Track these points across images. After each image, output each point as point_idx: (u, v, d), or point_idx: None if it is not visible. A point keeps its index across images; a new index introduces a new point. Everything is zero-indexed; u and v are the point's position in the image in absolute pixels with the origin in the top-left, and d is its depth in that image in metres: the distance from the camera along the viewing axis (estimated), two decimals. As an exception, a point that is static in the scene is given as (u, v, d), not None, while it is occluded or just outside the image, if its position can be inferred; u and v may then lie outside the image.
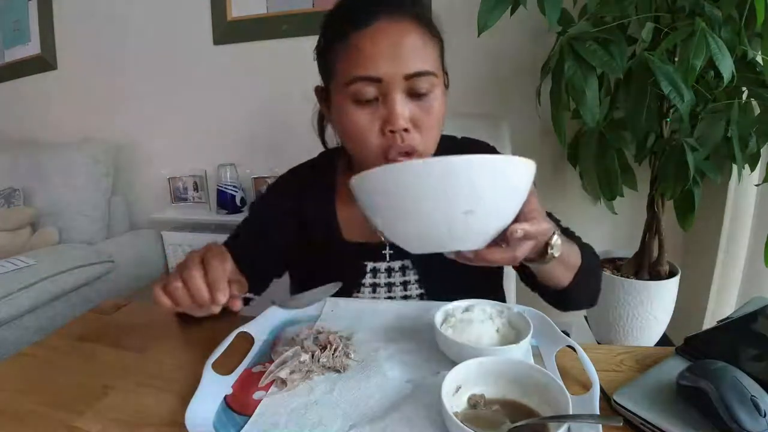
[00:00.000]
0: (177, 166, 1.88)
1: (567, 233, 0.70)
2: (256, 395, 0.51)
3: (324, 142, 0.83)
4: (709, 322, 1.38)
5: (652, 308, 1.22)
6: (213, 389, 0.51)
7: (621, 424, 0.41)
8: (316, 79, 0.72)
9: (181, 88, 1.83)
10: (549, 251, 0.55)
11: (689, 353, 0.54)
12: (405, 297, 0.76)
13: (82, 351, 0.63)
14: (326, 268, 0.78)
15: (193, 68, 1.79)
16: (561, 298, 0.67)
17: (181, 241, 1.82)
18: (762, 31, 0.99)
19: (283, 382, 0.51)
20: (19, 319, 1.36)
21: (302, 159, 0.85)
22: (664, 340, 1.31)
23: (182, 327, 0.69)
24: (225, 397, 0.50)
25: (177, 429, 0.46)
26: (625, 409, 0.46)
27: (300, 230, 0.79)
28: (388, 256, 0.76)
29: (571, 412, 0.40)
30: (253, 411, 0.48)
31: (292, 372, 0.52)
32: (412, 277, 0.76)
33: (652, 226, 1.23)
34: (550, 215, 0.62)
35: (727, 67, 0.90)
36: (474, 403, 0.46)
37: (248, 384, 0.53)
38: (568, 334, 0.57)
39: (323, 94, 0.70)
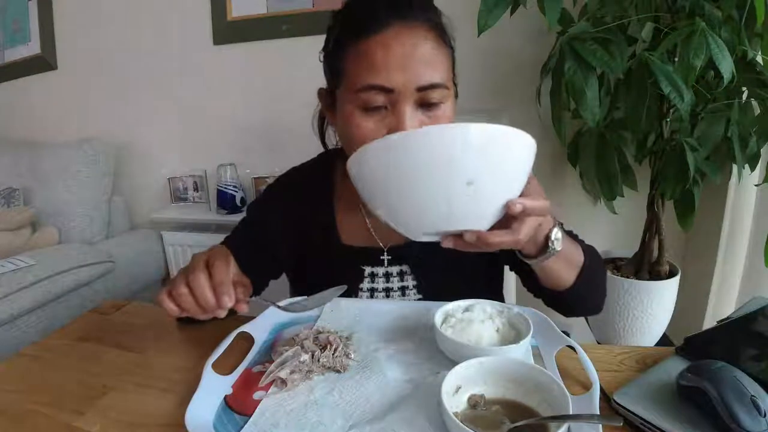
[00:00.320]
0: (177, 166, 1.88)
1: (570, 236, 0.70)
2: (256, 395, 0.51)
3: (324, 144, 0.83)
4: (709, 322, 1.38)
5: (652, 308, 1.22)
6: (213, 389, 0.51)
7: (621, 424, 0.41)
8: (316, 79, 0.71)
9: (181, 88, 1.83)
10: (550, 245, 0.55)
11: (689, 353, 0.54)
12: (400, 300, 0.76)
13: (82, 351, 0.63)
14: (324, 271, 0.78)
15: (193, 68, 1.79)
16: (565, 301, 0.65)
17: (181, 241, 1.82)
18: (762, 31, 0.99)
19: (283, 382, 0.51)
20: (19, 319, 1.36)
21: (302, 159, 0.84)
22: (664, 340, 1.31)
23: (182, 327, 0.69)
24: (225, 397, 0.50)
25: (177, 429, 0.46)
26: (625, 409, 0.46)
27: (298, 233, 0.78)
28: (386, 261, 0.76)
29: (571, 412, 0.40)
30: (253, 411, 0.48)
31: (292, 372, 0.52)
32: (410, 282, 0.76)
33: (652, 226, 1.23)
34: None
35: (727, 67, 0.90)
36: (474, 403, 0.46)
37: (248, 384, 0.53)
38: (568, 334, 0.57)
39: (327, 97, 0.69)
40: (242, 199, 1.75)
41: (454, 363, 0.47)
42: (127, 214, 1.97)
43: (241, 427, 0.46)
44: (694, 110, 1.03)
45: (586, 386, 0.48)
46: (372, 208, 0.50)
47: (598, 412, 0.43)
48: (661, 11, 1.04)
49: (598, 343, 1.30)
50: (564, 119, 1.13)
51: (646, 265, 1.26)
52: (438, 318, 0.56)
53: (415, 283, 0.76)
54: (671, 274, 1.25)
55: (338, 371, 0.54)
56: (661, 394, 0.47)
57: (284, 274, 0.86)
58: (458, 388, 0.46)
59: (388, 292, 0.76)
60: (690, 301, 1.36)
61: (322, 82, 0.70)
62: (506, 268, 0.84)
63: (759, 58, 1.03)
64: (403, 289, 0.76)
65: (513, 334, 0.56)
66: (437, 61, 0.59)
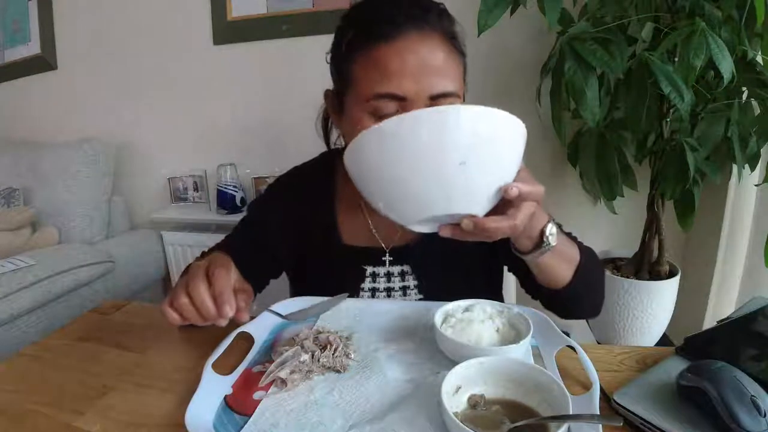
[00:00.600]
0: (177, 166, 1.88)
1: (568, 237, 0.70)
2: (256, 395, 0.51)
3: (328, 145, 0.82)
4: (709, 322, 1.38)
5: (652, 308, 1.22)
6: (213, 389, 0.51)
7: (621, 424, 0.41)
8: (316, 79, 0.71)
9: (182, 88, 1.83)
10: (545, 239, 0.55)
11: (689, 353, 0.54)
12: (400, 300, 0.76)
13: (82, 351, 0.63)
14: (325, 271, 0.78)
15: (193, 68, 1.79)
16: (563, 300, 0.65)
17: (181, 241, 1.82)
18: (762, 31, 0.99)
19: (283, 382, 0.51)
20: (19, 319, 1.36)
21: (302, 159, 0.84)
22: (664, 340, 1.31)
23: (182, 327, 0.69)
24: (225, 397, 0.50)
25: (177, 429, 0.46)
26: (625, 409, 0.46)
27: (299, 232, 0.78)
28: (387, 261, 0.76)
29: (571, 412, 0.40)
30: (253, 411, 0.48)
31: (292, 372, 0.52)
32: (411, 282, 0.76)
33: (652, 226, 1.23)
34: None
35: (727, 67, 0.90)
36: (474, 403, 0.46)
37: (248, 384, 0.53)
38: (568, 334, 0.57)
39: (334, 99, 0.68)
40: (242, 199, 1.75)
41: (454, 363, 0.47)
42: (127, 214, 1.97)
43: (241, 427, 0.46)
44: (694, 110, 1.03)
45: (586, 386, 0.48)
46: (370, 200, 0.51)
47: (598, 412, 0.43)
48: (661, 11, 1.04)
49: (598, 343, 1.30)
50: (564, 119, 1.13)
51: (646, 265, 1.26)
52: (438, 318, 0.56)
53: (416, 283, 0.76)
54: (671, 274, 1.25)
55: (338, 371, 0.54)
56: (661, 394, 0.47)
57: (284, 274, 0.86)
58: (458, 388, 0.46)
59: (389, 291, 0.76)
60: (690, 301, 1.36)
61: (323, 82, 0.70)
62: (505, 268, 0.84)
63: (759, 58, 1.03)
64: (404, 289, 0.76)
65: (513, 334, 0.56)
66: (450, 70, 0.59)
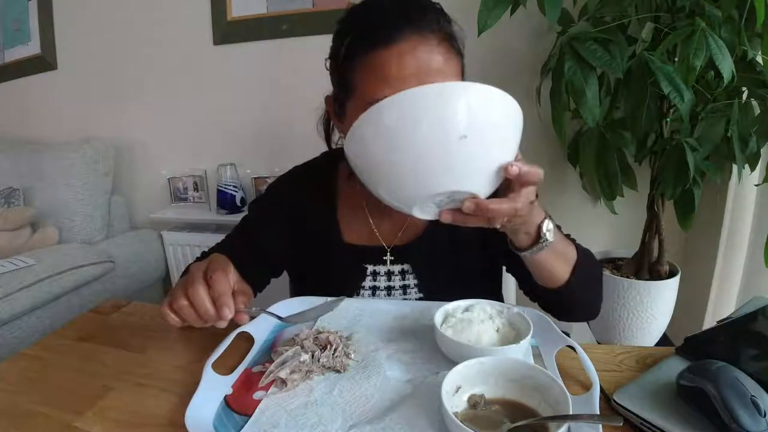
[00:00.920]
0: (177, 166, 1.88)
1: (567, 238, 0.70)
2: (256, 395, 0.51)
3: (330, 146, 0.82)
4: (709, 322, 1.38)
5: (652, 308, 1.22)
6: (213, 389, 0.51)
7: (621, 424, 0.41)
8: (316, 79, 0.71)
9: (181, 88, 1.83)
10: (543, 235, 0.56)
11: (689, 353, 0.54)
12: (401, 300, 0.76)
13: (82, 351, 0.63)
14: (326, 270, 0.78)
15: (193, 68, 1.79)
16: (561, 300, 0.65)
17: (181, 241, 1.82)
18: (762, 31, 0.99)
19: (283, 382, 0.51)
20: (19, 319, 1.36)
21: (303, 159, 0.84)
22: (664, 340, 1.31)
23: (182, 327, 0.69)
24: (225, 397, 0.50)
25: (177, 429, 0.46)
26: (625, 409, 0.46)
27: (300, 231, 0.78)
28: (388, 260, 0.76)
29: (571, 412, 0.40)
30: (253, 411, 0.48)
31: (292, 372, 0.52)
32: (411, 281, 0.76)
33: (652, 226, 1.23)
34: None
35: (727, 67, 0.90)
36: (474, 403, 0.46)
37: (248, 384, 0.53)
38: (568, 334, 0.57)
39: (334, 104, 0.68)
40: (242, 199, 1.75)
41: (454, 363, 0.47)
42: (127, 214, 1.97)
43: (241, 427, 0.46)
44: (694, 110, 1.03)
45: (586, 386, 0.48)
46: (372, 188, 0.51)
47: (598, 412, 0.43)
48: (661, 11, 1.04)
49: (598, 343, 1.30)
50: (564, 119, 1.13)
51: (646, 265, 1.26)
52: (438, 318, 0.57)
53: (416, 282, 0.76)
54: (671, 274, 1.25)
55: (338, 371, 0.54)
56: (661, 394, 0.47)
57: (285, 273, 0.86)
58: (458, 388, 0.46)
59: (389, 290, 0.76)
60: (690, 301, 1.36)
61: (323, 82, 0.70)
62: (504, 269, 0.84)
63: (759, 58, 1.03)
64: (404, 288, 0.76)
65: (513, 334, 0.56)
66: (449, 71, 0.59)
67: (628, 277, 1.24)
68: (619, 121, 1.18)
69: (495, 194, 0.50)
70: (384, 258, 0.76)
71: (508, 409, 0.45)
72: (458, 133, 0.43)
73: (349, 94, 0.62)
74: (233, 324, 0.58)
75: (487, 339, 0.55)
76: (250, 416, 0.47)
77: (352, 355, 0.56)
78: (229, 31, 1.70)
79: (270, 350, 0.59)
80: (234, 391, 0.52)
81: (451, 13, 0.64)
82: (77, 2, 1.88)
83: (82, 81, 1.96)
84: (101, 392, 0.53)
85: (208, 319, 0.53)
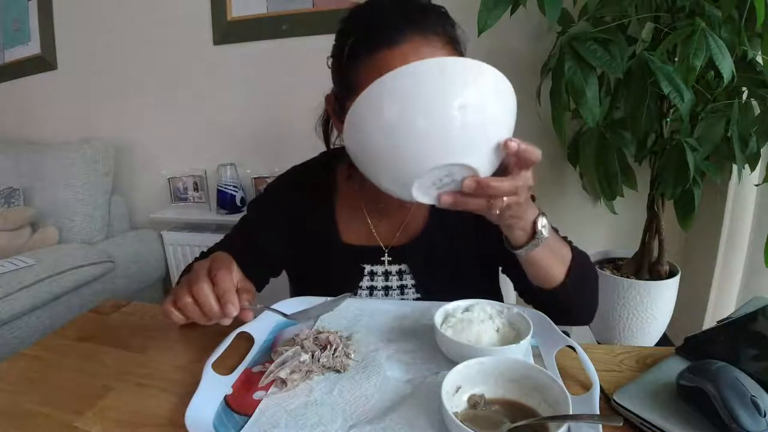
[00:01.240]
0: (177, 166, 1.88)
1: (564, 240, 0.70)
2: (256, 395, 0.51)
3: (328, 146, 0.82)
4: (709, 322, 1.38)
5: (652, 308, 1.22)
6: (213, 389, 0.51)
7: (621, 424, 0.41)
8: (316, 79, 0.71)
9: (181, 88, 1.83)
10: (538, 230, 0.56)
11: (689, 353, 0.54)
12: (400, 300, 0.76)
13: (82, 351, 0.63)
14: (324, 269, 0.78)
15: (193, 68, 1.79)
16: (556, 302, 0.65)
17: (181, 241, 1.82)
18: (762, 31, 0.99)
19: (283, 382, 0.51)
20: (19, 319, 1.36)
21: (302, 159, 0.84)
22: (664, 340, 1.31)
23: (182, 327, 0.69)
24: (225, 397, 0.50)
25: (177, 429, 0.46)
26: (625, 409, 0.46)
27: (298, 231, 0.78)
28: (386, 261, 0.76)
29: (571, 412, 0.40)
30: (253, 411, 0.48)
31: (292, 372, 0.52)
32: (409, 281, 0.76)
33: (652, 226, 1.23)
34: None
35: (727, 67, 0.90)
36: (474, 403, 0.46)
37: (248, 384, 0.53)
38: (568, 334, 0.57)
39: (335, 103, 0.68)
40: (242, 199, 1.75)
41: (454, 363, 0.47)
42: (127, 214, 1.97)
43: (241, 427, 0.46)
44: (694, 110, 1.03)
45: (586, 386, 0.48)
46: (371, 175, 0.51)
47: (598, 412, 0.43)
48: (661, 11, 1.04)
49: (598, 343, 1.30)
50: (564, 119, 1.12)
51: (646, 265, 1.25)
52: (438, 318, 0.56)
53: (413, 282, 0.76)
54: (671, 274, 1.25)
55: (338, 371, 0.54)
56: (661, 394, 0.47)
57: (284, 273, 0.86)
58: (458, 388, 0.46)
59: (387, 290, 0.77)
60: (690, 301, 1.36)
61: (323, 82, 0.70)
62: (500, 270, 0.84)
63: (759, 58, 1.03)
64: (401, 288, 0.76)
65: (513, 334, 0.56)
66: None
67: (628, 277, 1.24)
68: (619, 121, 1.18)
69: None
70: (382, 258, 0.76)
71: (508, 409, 0.45)
72: (457, 103, 0.44)
73: (350, 93, 0.62)
74: (233, 323, 0.58)
75: (487, 339, 0.55)
76: (250, 416, 0.47)
77: (352, 355, 0.56)
78: (229, 31, 1.70)
79: (270, 350, 0.59)
80: (234, 391, 0.52)
81: (451, 13, 0.64)
82: (77, 2, 1.88)
83: (82, 81, 1.96)
84: (101, 392, 0.53)
85: (212, 317, 0.53)
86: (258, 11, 1.65)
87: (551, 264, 0.62)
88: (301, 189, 0.80)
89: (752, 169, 1.12)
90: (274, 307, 0.63)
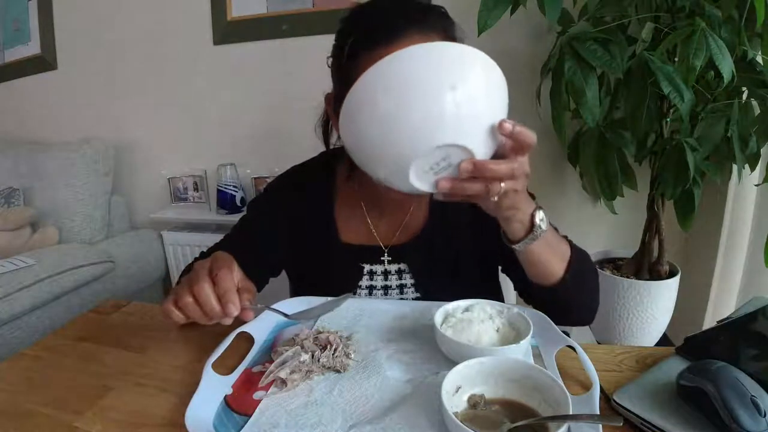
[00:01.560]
0: (177, 166, 1.88)
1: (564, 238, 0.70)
2: (256, 395, 0.51)
3: (328, 147, 0.82)
4: (709, 322, 1.38)
5: (652, 308, 1.22)
6: (213, 389, 0.51)
7: (621, 424, 0.41)
8: (316, 79, 0.71)
9: (182, 88, 1.83)
10: (536, 223, 0.56)
11: (689, 353, 0.54)
12: (400, 300, 0.76)
13: (82, 351, 0.63)
14: (324, 269, 0.78)
15: (193, 68, 1.79)
16: (556, 300, 0.64)
17: (181, 241, 1.82)
18: (762, 31, 0.99)
19: (283, 382, 0.51)
20: (19, 319, 1.36)
21: (302, 158, 0.85)
22: (664, 340, 1.31)
23: (182, 327, 0.69)
24: (225, 397, 0.50)
25: (177, 429, 0.46)
26: (625, 409, 0.46)
27: (298, 231, 0.78)
28: (386, 260, 0.76)
29: (571, 412, 0.40)
30: (253, 411, 0.48)
31: (292, 372, 0.52)
32: (408, 280, 0.76)
33: (652, 226, 1.23)
34: None
35: (727, 67, 0.90)
36: (474, 403, 0.46)
37: (248, 384, 0.53)
38: (568, 334, 0.57)
39: (335, 103, 0.68)
40: (242, 199, 1.75)
41: (454, 363, 0.47)
42: (127, 214, 1.97)
43: (241, 427, 0.46)
44: (694, 110, 1.03)
45: (586, 386, 0.48)
46: (365, 162, 0.52)
47: (598, 412, 0.43)
48: (661, 11, 1.04)
49: (598, 343, 1.30)
50: (564, 119, 1.12)
51: (646, 265, 1.25)
52: (438, 318, 0.56)
53: (413, 281, 0.76)
54: (671, 274, 1.25)
55: (338, 371, 0.54)
56: (661, 394, 0.47)
57: (284, 272, 0.86)
58: (458, 388, 0.46)
59: (386, 290, 0.77)
60: (690, 301, 1.36)
61: (323, 82, 0.70)
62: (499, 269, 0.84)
63: (759, 58, 1.03)
64: (401, 288, 0.76)
65: (513, 334, 0.56)
66: None
67: (628, 277, 1.24)
68: (619, 121, 1.18)
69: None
70: (381, 258, 0.76)
71: (508, 409, 0.45)
72: (448, 84, 0.45)
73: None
74: (234, 323, 0.58)
75: (487, 339, 0.55)
76: (250, 416, 0.47)
77: (352, 355, 0.56)
78: (229, 31, 1.70)
79: (270, 350, 0.59)
80: (234, 391, 0.52)
81: (451, 13, 0.64)
82: (77, 2, 1.88)
83: (82, 81, 1.96)
84: (101, 392, 0.53)
85: (213, 316, 0.53)
86: (258, 11, 1.65)
87: (550, 259, 0.61)
88: (300, 189, 0.80)
89: (752, 169, 1.12)
90: (274, 306, 0.63)
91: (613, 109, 1.18)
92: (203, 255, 0.77)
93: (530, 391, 0.46)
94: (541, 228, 0.57)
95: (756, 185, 1.19)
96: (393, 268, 0.76)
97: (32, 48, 1.99)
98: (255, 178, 1.76)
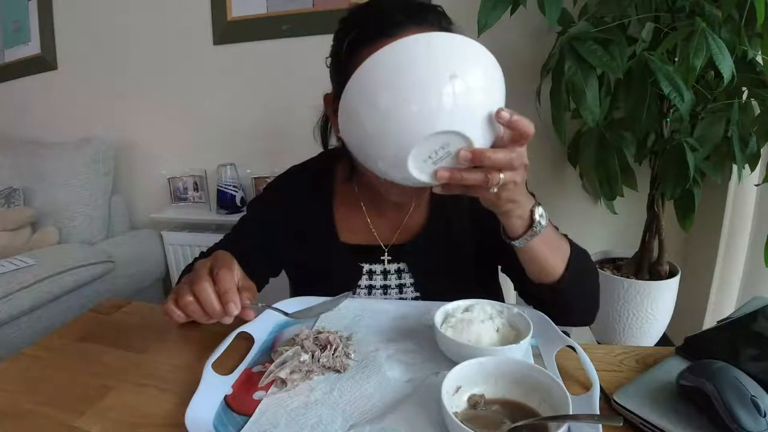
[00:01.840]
0: (177, 166, 1.88)
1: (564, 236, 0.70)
2: (256, 395, 0.51)
3: (326, 148, 0.82)
4: (709, 322, 1.38)
5: (652, 308, 1.22)
6: (213, 389, 0.51)
7: (621, 424, 0.41)
8: (316, 79, 0.71)
9: (182, 88, 1.83)
10: (535, 219, 0.57)
11: (689, 353, 0.54)
12: (400, 300, 0.76)
13: (82, 351, 0.63)
14: (323, 269, 0.78)
15: (193, 68, 1.79)
16: (556, 299, 0.64)
17: (181, 241, 1.82)
18: (762, 31, 0.99)
19: (283, 382, 0.51)
20: (19, 319, 1.36)
21: (303, 159, 0.85)
22: (664, 340, 1.31)
23: (182, 327, 0.69)
24: (225, 397, 0.50)
25: (177, 429, 0.46)
26: (625, 409, 0.46)
27: (297, 231, 0.79)
28: (386, 260, 0.76)
29: (571, 412, 0.40)
30: (253, 411, 0.48)
31: (292, 372, 0.52)
32: (407, 280, 0.76)
33: (652, 226, 1.22)
34: None
35: (727, 67, 0.90)
36: (474, 403, 0.46)
37: (248, 384, 0.53)
38: (568, 334, 0.57)
39: (334, 103, 0.68)
40: (242, 199, 1.75)
41: (454, 363, 0.47)
42: (127, 214, 1.97)
43: (241, 427, 0.46)
44: (694, 110, 1.03)
45: (586, 386, 0.48)
46: (366, 158, 0.52)
47: (598, 412, 0.43)
48: (661, 11, 1.04)
49: (598, 343, 1.30)
50: (564, 119, 1.12)
51: (646, 265, 1.25)
52: (438, 318, 0.56)
53: (412, 281, 0.76)
54: (671, 274, 1.25)
55: (338, 371, 0.54)
56: (661, 394, 0.47)
57: (284, 272, 0.86)
58: (458, 388, 0.46)
59: (385, 289, 0.77)
60: (690, 301, 1.36)
61: (322, 82, 0.70)
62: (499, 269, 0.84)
63: (759, 58, 1.03)
64: (400, 287, 0.77)
65: (513, 334, 0.56)
66: None
67: (628, 277, 1.24)
68: (619, 121, 1.18)
69: None
70: (381, 258, 0.76)
71: (508, 409, 0.45)
72: (444, 72, 0.46)
73: None
74: (234, 323, 0.58)
75: (487, 339, 0.55)
76: (250, 416, 0.47)
77: (352, 355, 0.56)
78: (229, 31, 1.70)
79: (270, 350, 0.59)
80: (234, 391, 0.51)
81: (451, 13, 0.64)
82: (77, 2, 1.88)
83: (82, 81, 1.96)
84: (101, 392, 0.53)
85: (214, 315, 0.53)
86: (258, 11, 1.65)
87: (549, 257, 0.61)
88: (299, 188, 0.80)
89: (752, 169, 1.11)
90: (275, 305, 0.63)
91: (613, 109, 1.18)
92: (203, 255, 0.77)
93: (530, 391, 0.46)
94: (540, 224, 0.57)
95: (756, 185, 1.19)
96: (392, 267, 0.76)
97: (32, 48, 1.99)
98: (255, 178, 1.76)
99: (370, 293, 0.77)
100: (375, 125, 0.49)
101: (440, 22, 0.61)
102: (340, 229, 0.78)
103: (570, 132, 1.28)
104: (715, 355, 0.47)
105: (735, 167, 1.12)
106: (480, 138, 0.48)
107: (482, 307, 0.59)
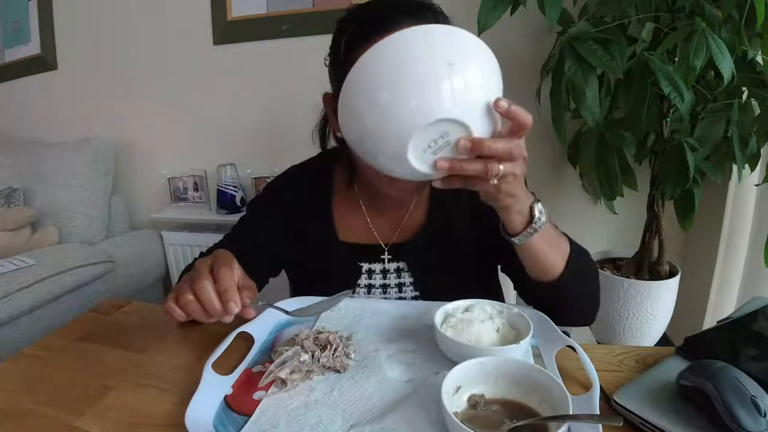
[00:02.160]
0: (177, 166, 1.88)
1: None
2: (256, 395, 0.51)
3: (324, 149, 0.82)
4: (709, 322, 1.38)
5: (652, 308, 1.22)
6: (213, 389, 0.51)
7: (621, 424, 0.41)
8: (316, 79, 0.71)
9: (182, 88, 1.83)
10: (535, 215, 0.57)
11: (689, 353, 0.54)
12: (400, 299, 0.77)
13: (82, 351, 0.63)
14: (323, 268, 0.78)
15: (193, 68, 1.79)
16: (556, 297, 0.64)
17: (181, 241, 1.82)
18: (762, 31, 0.99)
19: (283, 382, 0.51)
20: (19, 319, 1.36)
21: (303, 158, 0.85)
22: (664, 340, 1.31)
23: (182, 327, 0.69)
24: (225, 397, 0.50)
25: (177, 429, 0.46)
26: (625, 409, 0.46)
27: (297, 231, 0.79)
28: (386, 259, 0.76)
29: (571, 412, 0.40)
30: (253, 411, 0.48)
31: (292, 372, 0.52)
32: (407, 279, 0.76)
33: (652, 226, 1.23)
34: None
35: (727, 67, 0.90)
36: (474, 403, 0.46)
37: (248, 384, 0.53)
38: (568, 334, 0.57)
39: (333, 102, 0.67)
40: (242, 199, 1.75)
41: (454, 363, 0.47)
42: (127, 214, 1.97)
43: (241, 427, 0.46)
44: (694, 110, 1.03)
45: (586, 386, 0.48)
46: (366, 152, 0.52)
47: (598, 412, 0.43)
48: (661, 11, 1.04)
49: (598, 343, 1.30)
50: (564, 119, 1.13)
51: (646, 265, 1.25)
52: (438, 318, 0.56)
53: (411, 280, 0.76)
54: (671, 274, 1.25)
55: (338, 371, 0.54)
56: (661, 394, 0.47)
57: (284, 272, 0.86)
58: (458, 388, 0.46)
59: (385, 288, 0.77)
60: (690, 301, 1.36)
61: (322, 82, 0.70)
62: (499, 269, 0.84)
63: (759, 58, 1.03)
64: (399, 286, 0.77)
65: (513, 334, 0.56)
66: None
67: (628, 277, 1.24)
68: (619, 121, 1.18)
69: None
70: (381, 257, 0.76)
71: (508, 409, 0.45)
72: (446, 60, 0.46)
73: None
74: (234, 323, 0.58)
75: (487, 339, 0.55)
76: (250, 416, 0.47)
77: (352, 355, 0.56)
78: (229, 31, 1.70)
79: (270, 350, 0.59)
80: (234, 391, 0.52)
81: (452, 13, 0.64)
82: (77, 2, 1.88)
83: (82, 81, 1.96)
84: (101, 392, 0.53)
85: (214, 314, 0.53)
86: (258, 11, 1.65)
87: (549, 254, 0.61)
88: (299, 188, 0.80)
89: (752, 169, 1.11)
90: (276, 304, 0.63)
91: (613, 109, 1.18)
92: (203, 255, 0.77)
93: (530, 391, 0.46)
94: (540, 220, 0.57)
95: (756, 185, 1.19)
96: (392, 266, 0.77)
97: (32, 48, 1.99)
98: (255, 178, 1.76)
99: (369, 292, 0.77)
100: (375, 117, 0.49)
101: (437, 19, 0.61)
102: (340, 229, 0.78)
103: (570, 132, 1.28)
104: (715, 355, 0.47)
105: (735, 167, 1.12)
106: (479, 127, 0.49)
107: (482, 307, 0.59)
